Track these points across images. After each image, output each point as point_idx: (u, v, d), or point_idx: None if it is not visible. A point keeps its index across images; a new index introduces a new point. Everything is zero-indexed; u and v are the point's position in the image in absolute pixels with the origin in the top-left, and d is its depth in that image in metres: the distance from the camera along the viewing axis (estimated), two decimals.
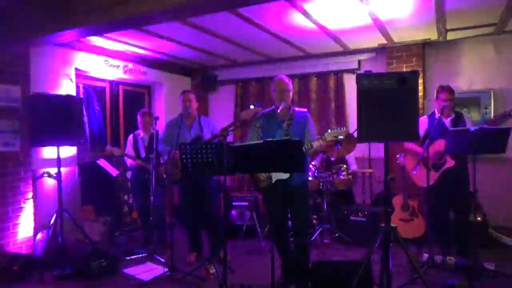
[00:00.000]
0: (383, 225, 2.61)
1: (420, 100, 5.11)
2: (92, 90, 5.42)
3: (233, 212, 5.23)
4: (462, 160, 3.65)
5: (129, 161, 4.88)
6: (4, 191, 4.01)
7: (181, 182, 4.12)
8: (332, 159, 5.13)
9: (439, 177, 3.87)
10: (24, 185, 4.18)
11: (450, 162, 3.79)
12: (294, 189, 3.19)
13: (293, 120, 3.28)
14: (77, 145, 4.58)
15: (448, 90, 3.83)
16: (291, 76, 3.77)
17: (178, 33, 4.76)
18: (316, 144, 3.07)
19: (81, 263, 3.76)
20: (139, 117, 4.91)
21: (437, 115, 3.77)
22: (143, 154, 4.80)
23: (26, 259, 3.90)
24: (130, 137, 4.95)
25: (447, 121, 3.89)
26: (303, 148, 3.05)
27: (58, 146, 3.97)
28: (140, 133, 4.91)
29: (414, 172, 3.82)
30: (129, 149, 4.89)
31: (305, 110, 3.42)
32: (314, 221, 4.88)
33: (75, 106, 4.07)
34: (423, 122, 3.97)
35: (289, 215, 3.37)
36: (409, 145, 4.05)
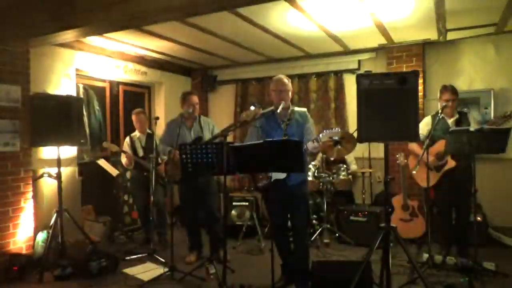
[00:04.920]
0: (383, 225, 2.61)
1: (420, 100, 5.11)
2: (92, 90, 5.42)
3: (233, 212, 5.23)
4: (467, 161, 3.63)
5: (124, 161, 4.85)
6: (4, 191, 4.00)
7: (181, 182, 4.12)
8: (331, 158, 5.13)
9: (440, 178, 3.87)
10: (24, 185, 4.18)
11: (451, 163, 3.79)
12: (292, 189, 3.18)
13: (292, 120, 3.27)
14: (77, 145, 4.58)
15: (451, 90, 3.83)
16: (291, 76, 3.77)
17: (178, 33, 4.76)
18: (310, 145, 3.03)
19: (81, 263, 3.76)
20: (134, 117, 4.91)
21: (440, 115, 3.76)
22: (140, 154, 4.81)
23: (26, 259, 3.91)
24: (127, 139, 4.96)
25: (451, 121, 3.88)
26: (302, 148, 3.04)
27: (58, 146, 3.98)
28: (136, 133, 4.92)
29: (414, 172, 3.81)
30: (128, 151, 4.88)
31: (305, 109, 3.42)
32: (314, 221, 4.88)
33: (75, 106, 4.08)
34: (426, 123, 3.96)
35: (288, 215, 3.36)
36: (413, 145, 4.04)
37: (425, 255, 3.75)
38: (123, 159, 4.83)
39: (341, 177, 4.94)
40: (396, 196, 4.73)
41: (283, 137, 3.17)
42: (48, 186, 4.51)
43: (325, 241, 4.63)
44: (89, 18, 3.44)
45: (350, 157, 5.34)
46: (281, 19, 4.27)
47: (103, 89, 5.80)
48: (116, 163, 5.14)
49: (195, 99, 4.13)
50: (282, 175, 3.12)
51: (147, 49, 5.47)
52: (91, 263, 3.74)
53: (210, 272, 3.67)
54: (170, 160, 3.96)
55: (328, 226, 4.75)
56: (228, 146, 2.94)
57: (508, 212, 4.76)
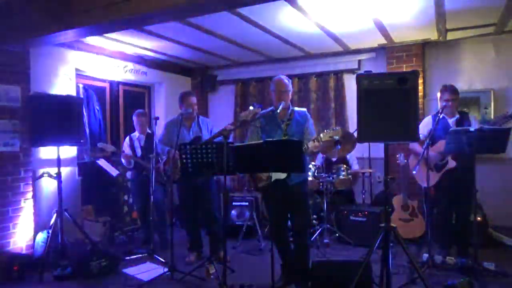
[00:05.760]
0: (383, 225, 2.61)
1: (420, 100, 5.12)
2: (92, 90, 5.42)
3: (233, 212, 5.23)
4: (468, 161, 3.62)
5: (124, 161, 4.85)
6: (4, 191, 4.00)
7: (181, 182, 4.12)
8: (334, 159, 5.13)
9: (441, 178, 3.87)
10: (24, 185, 4.18)
11: (451, 163, 3.78)
12: (292, 189, 3.18)
13: (292, 120, 3.27)
14: (77, 145, 4.57)
15: (451, 89, 3.82)
16: (291, 76, 3.78)
17: (178, 33, 4.76)
18: (311, 145, 3.04)
19: (81, 263, 3.76)
20: (135, 118, 4.91)
21: (441, 115, 3.75)
22: (139, 154, 4.81)
23: (26, 259, 3.91)
24: (126, 139, 4.97)
25: (451, 121, 3.88)
26: (303, 148, 3.04)
27: (58, 146, 3.98)
28: (136, 133, 4.92)
29: (414, 172, 3.81)
30: (126, 150, 4.89)
31: (305, 109, 3.42)
32: (314, 221, 4.88)
33: (75, 106, 4.08)
34: (427, 123, 3.96)
35: (289, 215, 3.36)
36: (414, 145, 4.04)
37: (425, 255, 3.75)
38: (123, 159, 4.84)
39: (341, 177, 4.94)
40: (396, 196, 4.74)
41: (283, 137, 3.17)
42: (48, 186, 4.51)
43: (325, 241, 4.63)
44: (89, 18, 3.44)
45: (352, 157, 5.35)
46: (281, 19, 4.27)
47: (103, 89, 5.80)
48: (116, 163, 5.14)
49: (193, 99, 4.14)
50: (282, 175, 3.11)
51: (147, 49, 5.47)
52: (91, 263, 3.73)
53: (210, 272, 3.67)
54: (170, 159, 3.97)
55: (328, 226, 4.75)
56: (228, 146, 2.95)
57: (508, 212, 4.76)
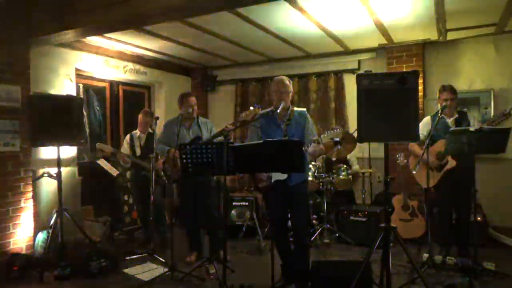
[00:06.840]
0: (383, 225, 2.61)
1: (420, 100, 5.11)
2: (92, 90, 5.42)
3: (233, 212, 5.23)
4: (468, 161, 3.62)
5: (123, 161, 4.85)
6: (4, 191, 4.00)
7: (181, 182, 4.12)
8: (334, 159, 5.14)
9: (441, 178, 3.87)
10: (24, 185, 4.18)
11: (452, 163, 3.78)
12: (293, 190, 3.18)
13: (291, 120, 3.27)
14: (77, 145, 4.57)
15: (449, 89, 3.83)
16: (291, 76, 3.78)
17: (178, 33, 4.76)
18: (312, 146, 3.06)
19: (81, 263, 3.76)
20: (140, 116, 4.90)
21: (440, 114, 3.75)
22: (138, 153, 4.81)
23: (26, 259, 3.90)
24: (127, 136, 4.96)
25: (450, 121, 3.89)
26: (303, 148, 3.04)
27: (58, 146, 3.98)
28: (137, 132, 4.92)
29: (414, 172, 3.81)
30: (126, 149, 4.89)
31: (304, 109, 3.42)
32: (314, 221, 4.88)
33: (75, 106, 4.08)
34: (426, 123, 3.96)
35: (289, 215, 3.36)
36: (413, 145, 4.04)
37: (425, 255, 3.75)
38: (119, 159, 4.83)
39: (341, 177, 4.94)
40: (396, 196, 4.74)
41: (283, 137, 3.17)
42: (48, 186, 4.51)
43: (325, 241, 4.63)
44: (89, 18, 3.45)
45: (352, 157, 5.35)
46: (281, 19, 4.27)
47: (103, 89, 5.80)
48: (116, 163, 5.15)
49: (193, 100, 4.14)
50: (283, 176, 3.12)
51: (147, 49, 5.47)
52: (91, 263, 3.74)
53: (210, 272, 3.68)
54: (169, 159, 3.97)
55: (328, 226, 4.75)
56: (228, 146, 2.95)
57: (508, 212, 4.76)
